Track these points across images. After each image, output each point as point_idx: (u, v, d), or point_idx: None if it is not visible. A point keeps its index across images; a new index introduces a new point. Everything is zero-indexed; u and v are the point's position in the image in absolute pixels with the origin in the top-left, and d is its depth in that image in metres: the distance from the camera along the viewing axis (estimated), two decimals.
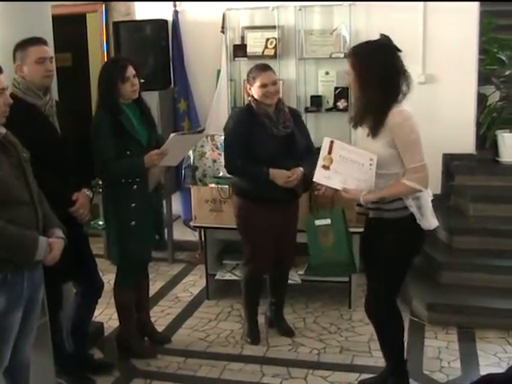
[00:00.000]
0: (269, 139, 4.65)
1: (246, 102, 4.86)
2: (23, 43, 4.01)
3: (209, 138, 5.74)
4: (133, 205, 4.47)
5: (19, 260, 3.20)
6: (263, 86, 4.62)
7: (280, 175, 4.61)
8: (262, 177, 4.61)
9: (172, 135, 4.43)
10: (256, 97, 4.67)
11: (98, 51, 7.46)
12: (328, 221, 4.55)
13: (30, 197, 3.29)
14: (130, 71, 4.43)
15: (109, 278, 4.75)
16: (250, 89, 4.71)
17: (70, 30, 7.74)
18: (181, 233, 6.97)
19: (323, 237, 4.54)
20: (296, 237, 5.00)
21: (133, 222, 4.47)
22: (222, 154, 5.31)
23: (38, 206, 3.33)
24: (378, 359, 4.67)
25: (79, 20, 7.76)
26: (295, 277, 5.55)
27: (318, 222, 4.55)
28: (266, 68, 4.71)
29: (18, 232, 3.16)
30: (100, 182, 4.86)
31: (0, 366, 3.31)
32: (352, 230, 5.25)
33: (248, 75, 4.76)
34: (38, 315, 3.54)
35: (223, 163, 5.31)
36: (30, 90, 3.98)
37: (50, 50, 4.12)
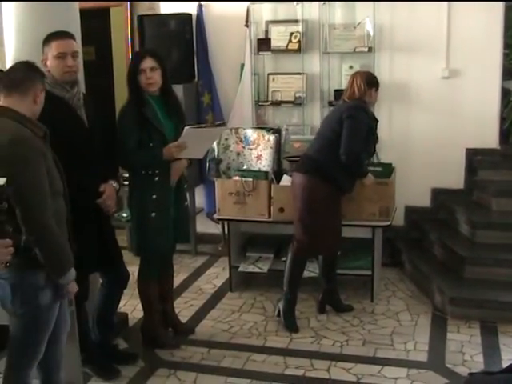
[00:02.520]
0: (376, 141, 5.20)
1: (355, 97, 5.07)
2: (49, 36, 3.99)
3: (233, 131, 5.75)
4: (153, 196, 4.51)
5: (51, 268, 3.23)
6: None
7: (370, 180, 5.21)
8: (364, 175, 5.18)
9: (186, 128, 4.47)
10: (373, 101, 5.23)
11: (121, 45, 7.50)
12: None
13: (64, 188, 3.38)
14: (147, 63, 4.43)
15: (132, 269, 4.77)
16: (375, 91, 5.15)
17: (93, 24, 7.80)
18: (204, 225, 7.00)
19: None
20: None
21: (153, 214, 4.51)
22: (247, 147, 5.39)
23: (67, 198, 3.41)
24: (400, 352, 4.71)
25: (103, 14, 7.82)
26: (318, 269, 5.56)
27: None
28: None
29: (62, 243, 3.25)
30: (125, 175, 4.92)
31: (37, 358, 3.38)
32: (375, 223, 5.34)
33: (375, 79, 5.18)
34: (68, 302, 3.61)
35: (247, 156, 5.38)
36: (56, 84, 3.98)
37: (74, 44, 4.06)
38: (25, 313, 3.26)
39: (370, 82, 5.08)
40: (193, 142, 4.48)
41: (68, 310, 3.61)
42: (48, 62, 4.00)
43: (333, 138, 4.92)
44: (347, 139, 4.85)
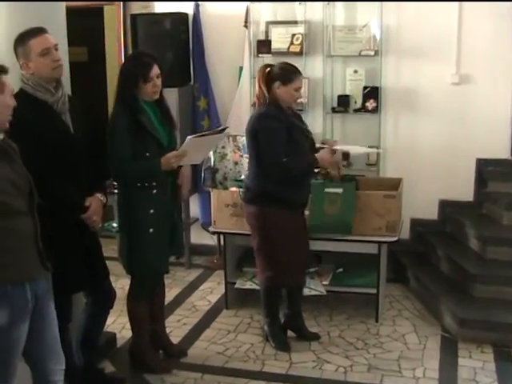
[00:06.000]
0: (304, 139, 4.57)
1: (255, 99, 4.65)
2: (22, 37, 3.67)
3: (230, 138, 5.45)
4: (151, 211, 4.18)
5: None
6: (297, 89, 4.51)
7: (326, 154, 4.54)
8: (312, 164, 4.54)
9: (188, 138, 4.12)
10: (284, 97, 4.48)
11: (114, 45, 7.21)
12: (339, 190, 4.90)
13: (29, 207, 3.10)
14: (155, 71, 4.12)
15: (123, 283, 4.47)
16: (278, 87, 4.47)
17: (86, 24, 7.51)
18: (198, 236, 6.68)
19: (330, 204, 4.91)
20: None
21: (151, 230, 4.19)
22: (245, 155, 5.12)
23: (36, 217, 3.13)
24: (408, 380, 4.40)
25: (96, 13, 7.57)
26: (319, 287, 5.25)
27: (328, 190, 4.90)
28: (299, 72, 4.58)
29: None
30: (115, 183, 4.59)
31: (9, 381, 3.12)
32: (381, 239, 5.03)
33: (279, 72, 4.50)
34: (55, 332, 3.33)
35: (245, 165, 5.13)
36: (40, 86, 3.67)
37: (52, 37, 3.74)
38: None
39: (270, 77, 4.49)
40: (192, 150, 4.17)
41: (53, 340, 3.33)
42: (31, 64, 3.67)
43: (256, 157, 4.57)
44: (264, 153, 4.48)
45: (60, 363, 3.34)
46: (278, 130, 4.44)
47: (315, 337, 4.98)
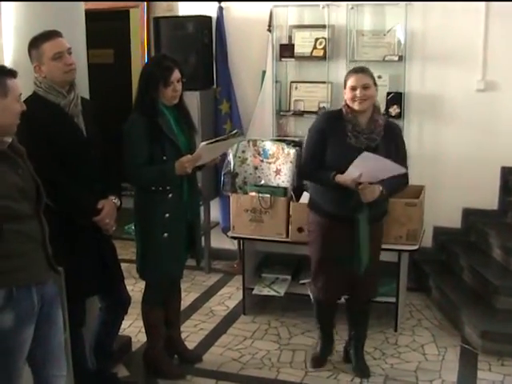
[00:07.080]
0: (344, 149, 4.11)
1: None
2: (36, 40, 3.67)
3: (251, 143, 5.37)
4: (167, 215, 4.14)
5: None
6: (352, 88, 4.14)
7: (341, 177, 4.03)
8: (327, 180, 4.10)
9: (202, 144, 4.06)
10: (346, 100, 4.22)
11: (139, 48, 7.19)
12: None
13: (36, 210, 3.05)
14: (175, 75, 4.08)
15: (141, 286, 4.43)
16: (344, 91, 4.28)
17: (113, 26, 7.50)
18: (219, 241, 6.64)
19: None
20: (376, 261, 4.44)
21: (165, 234, 4.14)
22: (265, 160, 5.09)
23: (43, 220, 3.08)
24: None
25: (123, 15, 7.53)
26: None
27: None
28: (360, 70, 4.24)
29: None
30: None
31: (14, 383, 3.08)
32: (401, 247, 4.94)
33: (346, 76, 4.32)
34: (60, 338, 3.30)
35: (265, 170, 5.09)
36: (52, 89, 3.66)
37: (65, 41, 3.73)
38: None
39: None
40: (206, 155, 4.12)
41: (58, 346, 3.30)
42: (43, 67, 3.67)
43: None
44: None
45: (62, 370, 3.31)
46: (312, 132, 4.30)
47: (365, 374, 4.56)
